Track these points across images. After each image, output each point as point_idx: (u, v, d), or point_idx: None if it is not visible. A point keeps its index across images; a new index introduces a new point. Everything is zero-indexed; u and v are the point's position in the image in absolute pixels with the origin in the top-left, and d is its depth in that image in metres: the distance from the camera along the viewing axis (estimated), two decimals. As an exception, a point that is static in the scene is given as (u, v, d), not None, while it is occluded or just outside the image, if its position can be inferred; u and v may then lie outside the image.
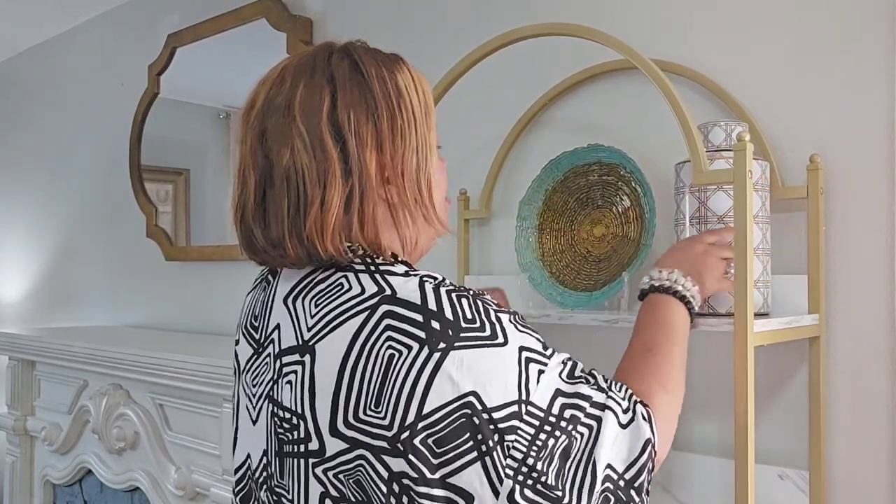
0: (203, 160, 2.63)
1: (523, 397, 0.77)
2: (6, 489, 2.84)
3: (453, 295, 0.80)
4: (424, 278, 0.82)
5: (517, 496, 0.75)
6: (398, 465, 0.76)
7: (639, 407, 0.85)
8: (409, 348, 0.76)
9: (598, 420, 0.81)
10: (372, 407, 0.77)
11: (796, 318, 1.21)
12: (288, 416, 0.82)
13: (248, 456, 0.92)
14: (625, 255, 1.40)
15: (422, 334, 0.77)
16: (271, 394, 0.86)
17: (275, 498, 0.86)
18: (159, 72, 2.65)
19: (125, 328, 2.84)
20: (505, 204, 1.69)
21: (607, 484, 0.80)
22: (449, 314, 0.78)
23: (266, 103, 0.86)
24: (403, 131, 0.86)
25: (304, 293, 0.86)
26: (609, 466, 0.81)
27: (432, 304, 0.79)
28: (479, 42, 1.40)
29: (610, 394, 0.84)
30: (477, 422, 0.75)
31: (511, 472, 0.75)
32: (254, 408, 0.90)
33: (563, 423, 0.79)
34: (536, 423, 0.77)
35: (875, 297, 1.24)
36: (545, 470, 0.77)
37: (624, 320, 1.22)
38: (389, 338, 0.77)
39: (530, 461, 0.76)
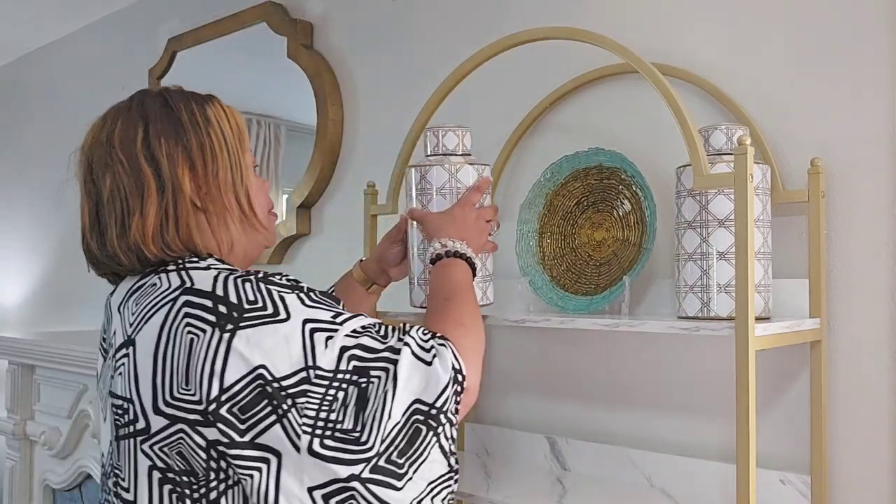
0: (203, 164, 2.62)
1: (309, 363, 0.89)
2: (5, 494, 2.83)
3: (239, 280, 0.92)
4: (221, 270, 0.95)
5: (316, 447, 0.87)
6: (212, 433, 0.87)
7: (438, 341, 0.97)
8: (204, 331, 0.88)
9: (392, 362, 0.92)
10: (183, 385, 0.88)
11: (797, 321, 1.20)
12: (120, 402, 0.94)
13: (101, 452, 1.05)
14: (626, 259, 1.40)
15: (212, 318, 0.89)
16: (111, 388, 0.98)
17: (113, 479, 0.97)
18: (160, 76, 2.65)
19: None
20: (505, 207, 1.69)
21: (416, 416, 0.91)
22: (233, 298, 0.90)
23: (90, 141, 1.02)
24: (214, 152, 1.00)
25: (130, 297, 0.99)
26: (417, 401, 0.92)
27: (220, 291, 0.91)
28: (479, 46, 1.40)
29: (404, 338, 0.96)
30: (269, 390, 0.87)
31: (308, 428, 0.87)
32: (102, 407, 1.03)
33: (350, 376, 0.90)
34: (325, 382, 0.89)
35: (877, 300, 1.24)
36: (340, 419, 0.88)
37: (625, 325, 1.21)
38: (188, 323, 0.89)
39: (323, 415, 0.88)
